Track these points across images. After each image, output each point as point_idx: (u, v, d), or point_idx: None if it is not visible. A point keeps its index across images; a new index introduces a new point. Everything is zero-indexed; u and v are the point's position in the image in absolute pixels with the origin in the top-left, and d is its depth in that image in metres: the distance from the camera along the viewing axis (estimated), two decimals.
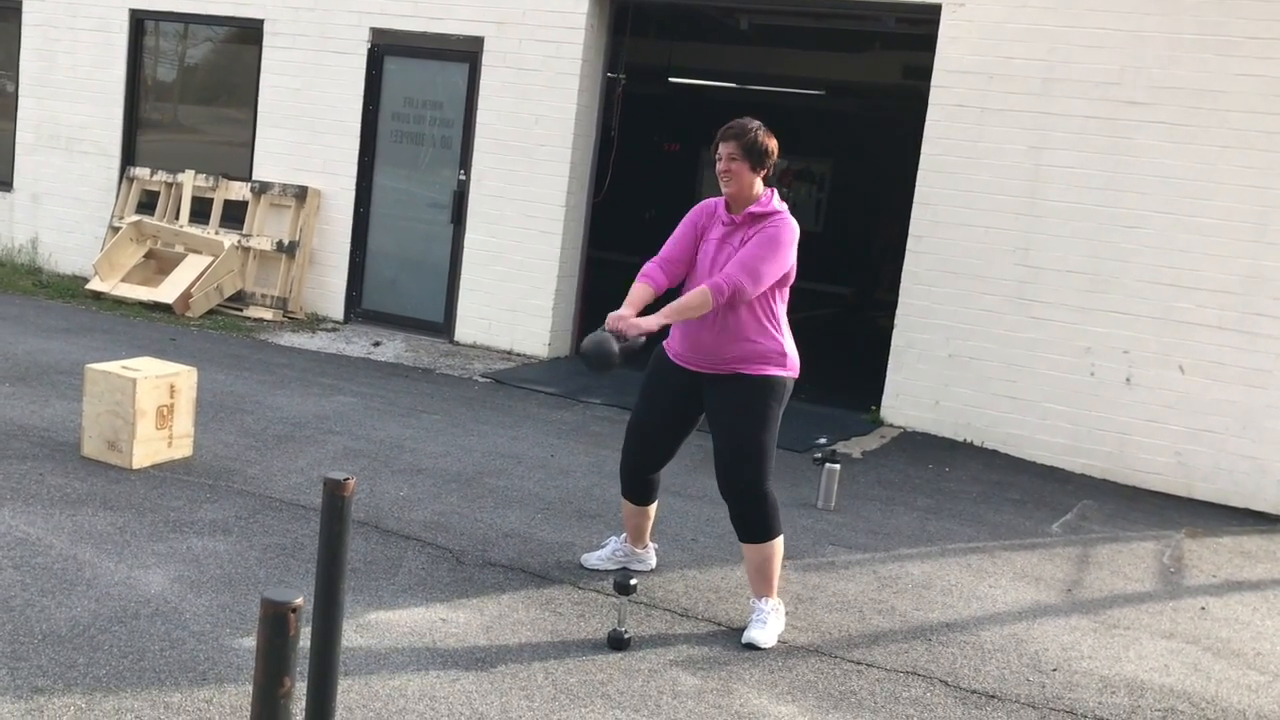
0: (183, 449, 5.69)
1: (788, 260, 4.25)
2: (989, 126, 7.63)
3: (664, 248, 4.43)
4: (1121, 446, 7.36)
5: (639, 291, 4.30)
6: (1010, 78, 7.55)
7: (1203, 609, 5.18)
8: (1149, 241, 7.26)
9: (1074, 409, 7.49)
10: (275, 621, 1.62)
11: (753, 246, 4.19)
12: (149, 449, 5.50)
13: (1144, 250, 7.27)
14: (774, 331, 4.30)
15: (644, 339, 4.15)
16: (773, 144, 4.31)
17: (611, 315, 4.15)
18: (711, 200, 4.46)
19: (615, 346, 4.03)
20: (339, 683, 3.60)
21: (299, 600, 1.68)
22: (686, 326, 4.35)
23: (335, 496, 2.08)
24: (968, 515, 6.22)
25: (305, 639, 3.21)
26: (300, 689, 3.05)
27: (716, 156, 4.32)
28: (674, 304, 4.16)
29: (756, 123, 4.32)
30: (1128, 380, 7.35)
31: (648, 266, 4.40)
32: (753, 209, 4.28)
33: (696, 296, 4.12)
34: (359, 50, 9.58)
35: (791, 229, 4.27)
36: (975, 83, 7.66)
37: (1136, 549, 5.98)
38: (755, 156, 4.27)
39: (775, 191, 4.37)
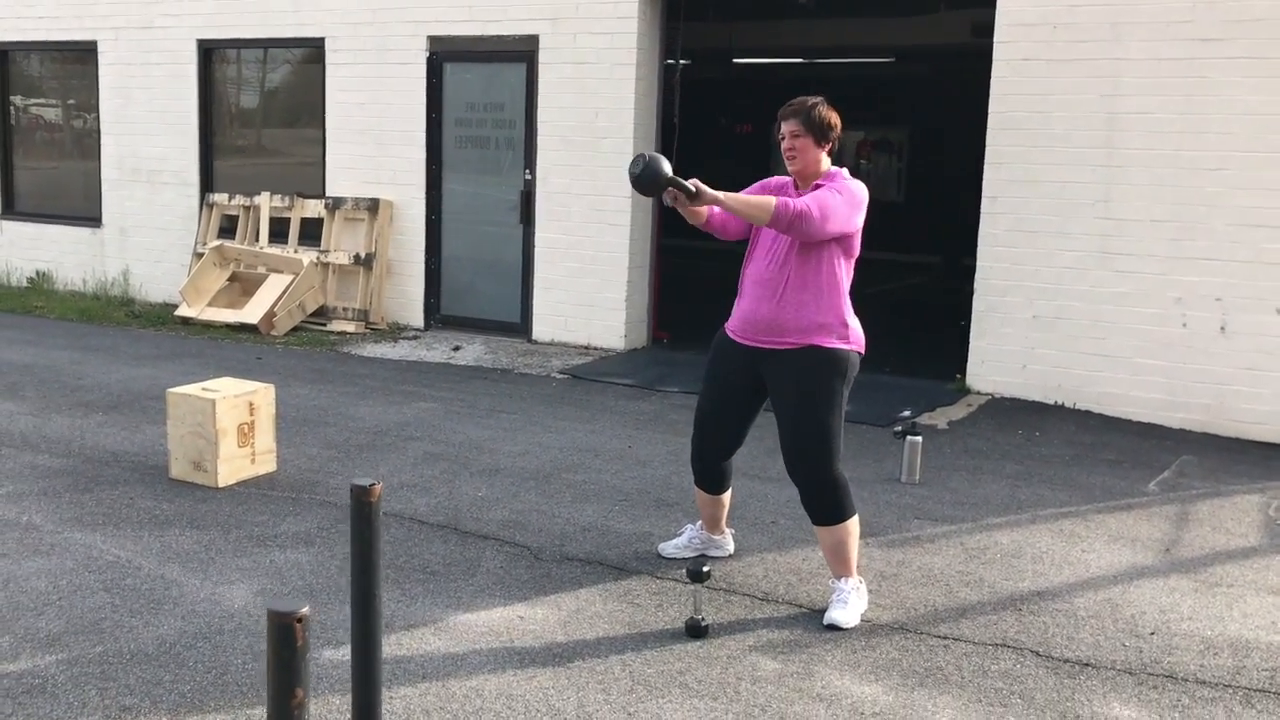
0: (266, 465, 5.80)
1: (856, 210, 4.13)
2: (1057, 78, 7.39)
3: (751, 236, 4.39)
4: (1220, 398, 7.07)
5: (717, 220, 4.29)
6: (1075, 25, 7.31)
7: None
8: (1235, 182, 6.95)
9: (1168, 362, 7.22)
10: (282, 632, 1.61)
11: (823, 190, 4.12)
12: (233, 467, 5.62)
13: (1230, 192, 6.97)
14: (835, 301, 4.19)
15: (694, 187, 3.97)
16: (835, 118, 4.22)
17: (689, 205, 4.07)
18: (780, 178, 4.39)
19: (667, 168, 3.94)
20: (416, 685, 3.63)
21: (304, 610, 1.68)
22: (746, 300, 4.28)
23: (363, 502, 2.08)
24: (1059, 479, 6.03)
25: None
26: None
27: (780, 136, 4.25)
28: (739, 195, 4.05)
29: (818, 98, 4.23)
30: (1222, 329, 7.06)
31: (719, 217, 4.34)
32: (821, 181, 4.21)
33: (762, 201, 4.00)
34: (418, 60, 9.66)
35: (862, 186, 4.19)
36: (1040, 34, 7.42)
37: (1240, 503, 5.74)
38: (818, 131, 4.18)
39: (845, 170, 4.29)
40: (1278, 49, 6.77)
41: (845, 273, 4.25)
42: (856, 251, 4.26)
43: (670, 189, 3.99)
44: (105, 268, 11.53)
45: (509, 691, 3.63)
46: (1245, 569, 4.84)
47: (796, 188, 4.28)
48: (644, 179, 3.94)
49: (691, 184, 3.99)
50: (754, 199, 4.01)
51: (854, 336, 4.25)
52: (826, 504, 4.19)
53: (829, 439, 4.17)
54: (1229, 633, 4.20)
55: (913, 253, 15.42)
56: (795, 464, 4.22)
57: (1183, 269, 7.14)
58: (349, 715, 3.33)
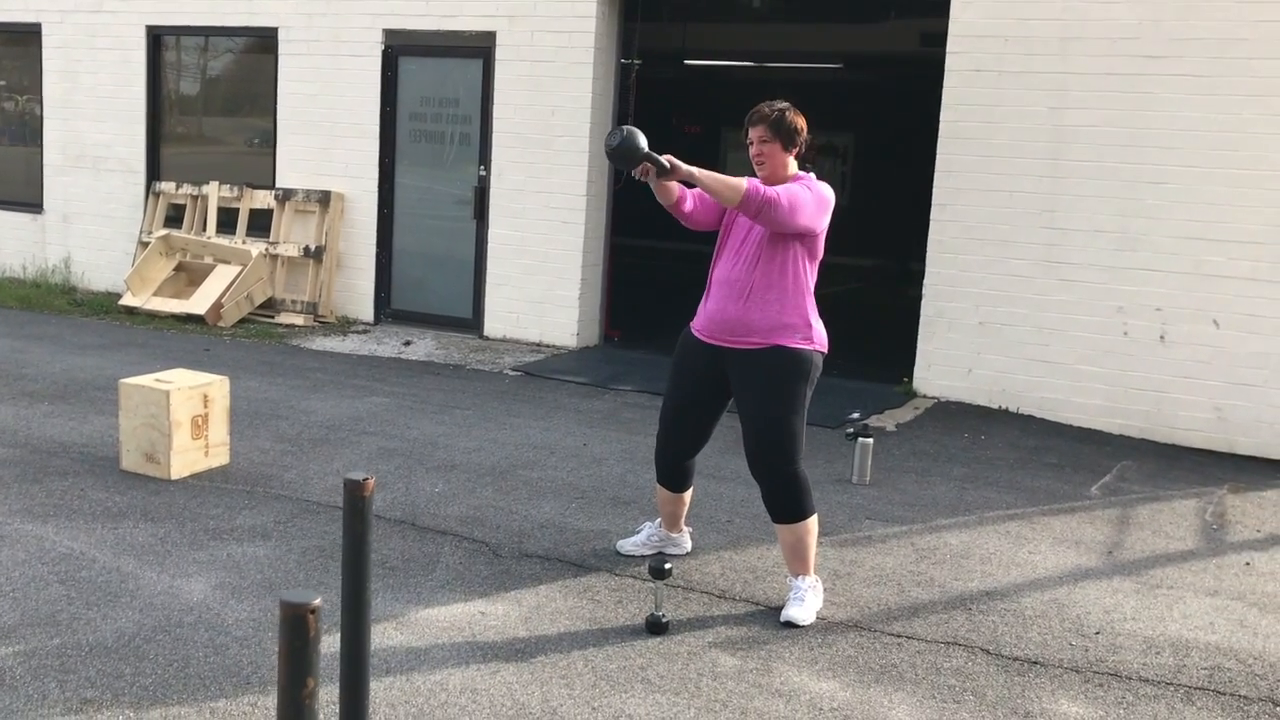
0: (219, 457, 5.76)
1: (823, 209, 4.21)
2: (1007, 89, 7.56)
3: (719, 232, 4.44)
4: (1159, 405, 7.28)
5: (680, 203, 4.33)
6: (1026, 39, 7.47)
7: (1247, 564, 5.12)
8: (1176, 196, 7.16)
9: (1109, 370, 7.41)
10: (295, 623, 1.64)
11: (794, 185, 4.20)
12: (186, 459, 5.57)
13: (1172, 205, 7.18)
14: (800, 302, 4.27)
15: (669, 165, 4.06)
16: (801, 122, 4.30)
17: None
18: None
19: (644, 143, 4.03)
20: (380, 680, 3.65)
21: (317, 601, 1.70)
22: (713, 300, 4.35)
23: (355, 497, 2.11)
24: (1005, 482, 6.18)
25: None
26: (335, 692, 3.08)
27: (748, 141, 4.30)
28: (712, 173, 4.09)
29: (784, 103, 4.31)
30: (1162, 338, 7.26)
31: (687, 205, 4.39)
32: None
33: (734, 180, 4.05)
34: (373, 52, 9.62)
35: (829, 189, 4.28)
36: (991, 46, 7.58)
37: (1178, 507, 5.92)
38: (786, 135, 4.25)
39: (813, 174, 4.36)
40: (1219, 68, 6.98)
41: (810, 274, 4.33)
42: (820, 254, 4.34)
43: (644, 163, 4.05)
44: (46, 255, 11.32)
45: (473, 686, 3.66)
46: (1184, 571, 5.01)
47: None
48: (621, 150, 4.01)
49: (666, 159, 4.06)
50: (726, 177, 4.06)
51: (817, 337, 4.33)
52: (788, 501, 4.27)
53: (791, 438, 4.25)
54: (1170, 633, 4.35)
55: (856, 256, 15.62)
56: (758, 461, 4.29)
57: (1124, 279, 7.34)
58: (327, 707, 3.34)
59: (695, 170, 4.04)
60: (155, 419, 5.49)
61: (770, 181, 4.30)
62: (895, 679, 3.86)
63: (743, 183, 4.05)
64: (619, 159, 4.03)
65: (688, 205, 4.34)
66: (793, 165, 4.31)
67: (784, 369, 4.24)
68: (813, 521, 4.34)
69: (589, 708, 3.56)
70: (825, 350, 4.37)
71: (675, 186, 4.24)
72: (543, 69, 9.01)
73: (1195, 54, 7.04)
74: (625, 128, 4.03)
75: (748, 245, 4.27)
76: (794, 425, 4.25)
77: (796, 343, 4.26)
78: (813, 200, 4.16)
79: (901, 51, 12.70)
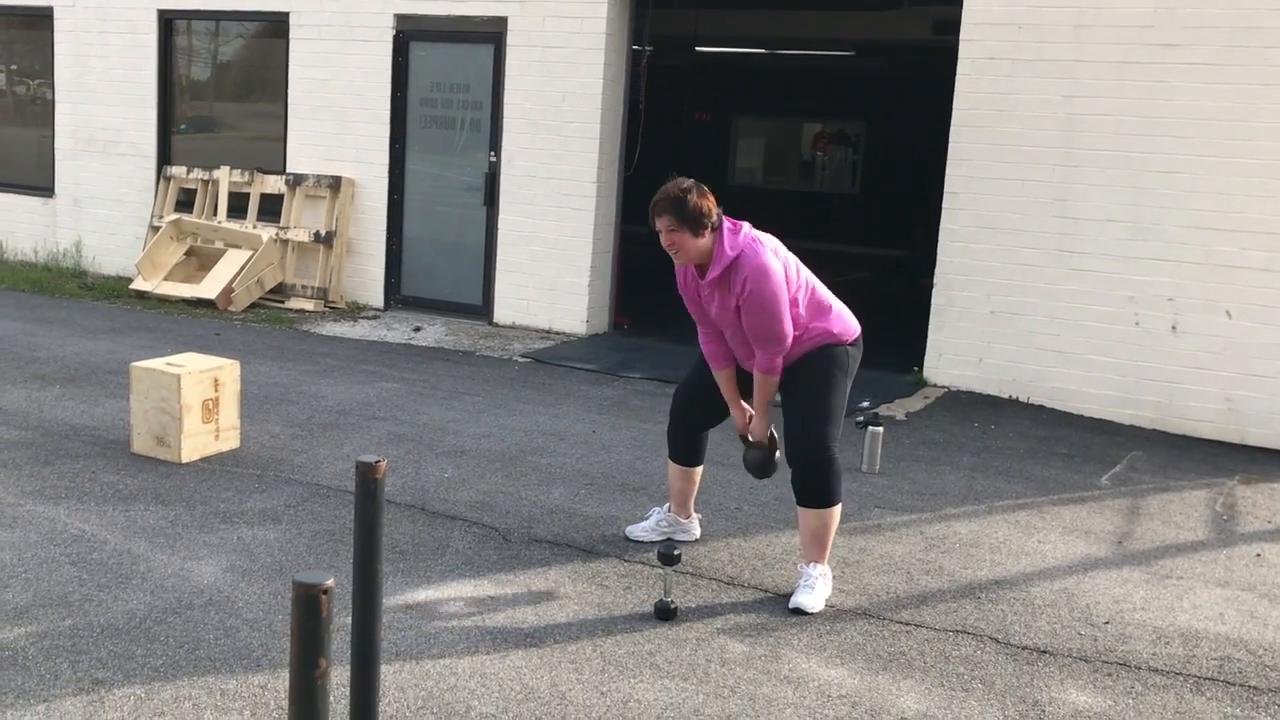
0: (230, 441, 5.77)
1: (780, 294, 4.15)
2: (1020, 78, 7.52)
3: (696, 320, 4.47)
4: (1170, 395, 7.26)
5: (726, 379, 4.49)
6: (1040, 26, 7.43)
7: (1258, 555, 5.11)
8: (1189, 186, 7.13)
9: (1120, 360, 7.39)
10: (307, 603, 1.64)
11: (748, 319, 4.18)
12: (197, 443, 5.59)
13: (1184, 195, 7.14)
14: (810, 326, 4.30)
15: (776, 437, 4.51)
16: (708, 202, 4.17)
17: (740, 426, 4.53)
18: (680, 268, 4.37)
19: (768, 455, 4.51)
20: (390, 663, 3.66)
21: (329, 582, 1.70)
22: (734, 352, 4.46)
23: (368, 479, 2.11)
24: (1014, 472, 6.17)
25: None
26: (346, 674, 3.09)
27: (656, 230, 4.22)
28: (758, 400, 4.37)
29: (688, 183, 4.18)
30: (1174, 328, 7.24)
31: (708, 349, 4.46)
32: (715, 269, 4.19)
33: (764, 380, 4.31)
34: (384, 37, 9.60)
35: (764, 273, 4.12)
36: (1005, 34, 7.54)
37: (1188, 498, 5.91)
38: (693, 222, 4.14)
39: (726, 228, 4.21)
40: (1235, 56, 6.94)
41: (805, 308, 4.29)
42: (799, 288, 4.28)
43: (774, 452, 4.55)
44: (57, 238, 11.35)
45: (482, 670, 3.67)
46: (1194, 562, 5.00)
47: (700, 275, 4.28)
48: (763, 475, 4.61)
49: (773, 438, 4.51)
50: (765, 386, 4.33)
51: (846, 331, 4.37)
52: (820, 484, 4.27)
53: (831, 420, 4.29)
54: (1179, 623, 4.34)
55: (866, 245, 15.58)
56: (797, 440, 4.29)
57: (1136, 269, 7.31)
58: (338, 689, 3.36)
59: (760, 414, 4.43)
60: (166, 402, 5.51)
61: (691, 262, 4.24)
62: (904, 667, 3.86)
63: (763, 377, 4.29)
64: (764, 477, 4.64)
65: (730, 356, 4.49)
66: (707, 240, 4.19)
67: (821, 361, 4.31)
68: (838, 510, 4.35)
69: (597, 692, 3.56)
70: (857, 336, 4.39)
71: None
72: (554, 55, 8.99)
73: (1209, 42, 7.00)
74: (754, 459, 4.53)
75: (728, 314, 4.28)
76: (834, 407, 4.31)
77: (829, 343, 4.33)
78: (771, 301, 4.13)
79: (914, 40, 12.65)
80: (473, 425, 6.48)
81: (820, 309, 4.33)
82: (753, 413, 4.47)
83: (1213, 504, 5.84)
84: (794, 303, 4.26)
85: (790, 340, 4.24)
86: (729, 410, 4.60)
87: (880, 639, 4.06)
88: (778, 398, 4.40)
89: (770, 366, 4.27)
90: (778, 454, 4.52)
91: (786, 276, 4.20)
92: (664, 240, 4.21)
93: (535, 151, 9.17)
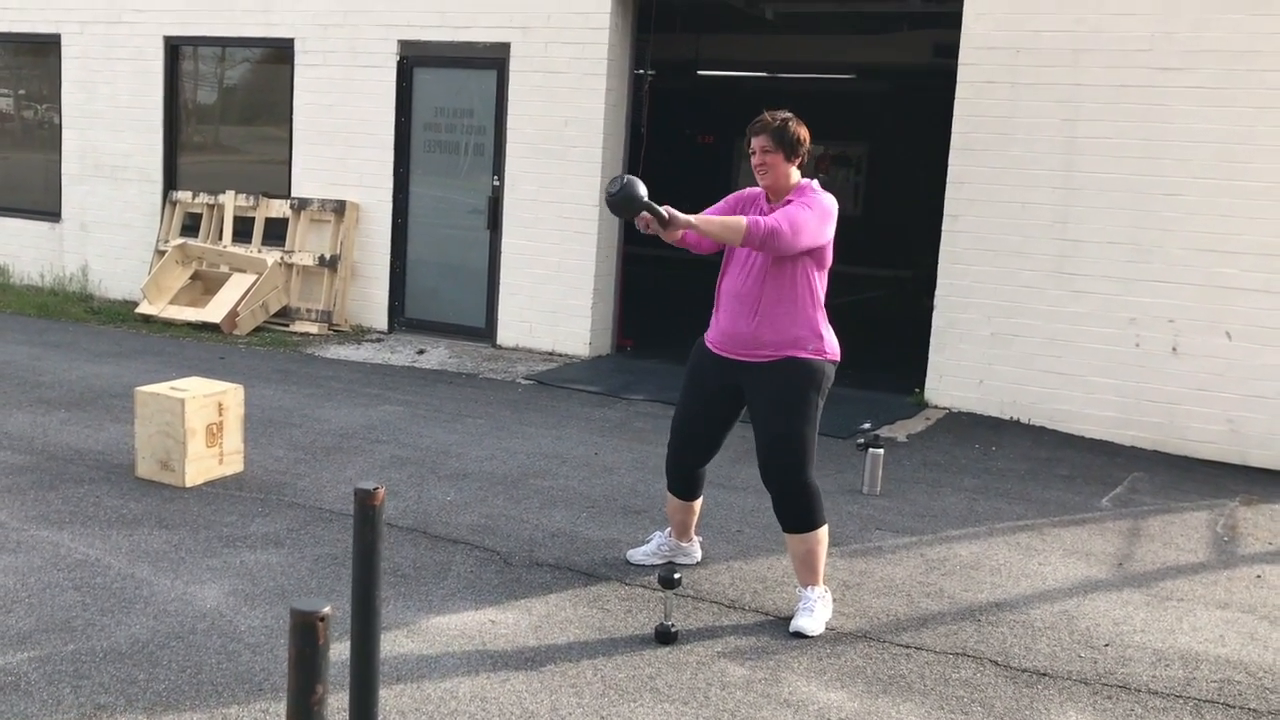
0: (234, 465, 5.80)
1: (827, 222, 4.22)
2: (1020, 101, 7.57)
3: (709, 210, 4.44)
4: (1171, 417, 7.27)
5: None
6: (1039, 50, 7.49)
7: (1258, 577, 5.12)
8: (1189, 208, 7.16)
9: (1121, 381, 7.41)
10: (305, 631, 1.66)
11: (793, 205, 4.22)
12: (200, 467, 5.62)
13: (1185, 217, 7.18)
14: (809, 314, 4.30)
15: (667, 214, 4.08)
16: (804, 132, 4.33)
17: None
18: (751, 190, 4.48)
19: (643, 191, 4.05)
20: (391, 687, 3.67)
21: (327, 609, 1.73)
22: (724, 315, 4.37)
23: (366, 506, 2.13)
24: (1015, 494, 6.18)
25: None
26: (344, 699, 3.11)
27: (750, 151, 4.34)
28: (712, 218, 4.13)
29: (787, 113, 4.34)
30: (1174, 349, 7.25)
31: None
32: (791, 195, 4.30)
33: (734, 222, 4.09)
34: (388, 63, 9.68)
35: (831, 198, 4.29)
36: (1003, 58, 7.60)
37: (1189, 519, 5.91)
38: (788, 146, 4.28)
39: (815, 182, 4.37)
40: (1233, 80, 6.98)
41: (819, 284, 4.35)
42: (829, 262, 4.37)
43: (643, 213, 4.09)
44: (64, 263, 11.41)
45: (483, 694, 3.68)
46: (1195, 584, 5.00)
47: (768, 201, 4.37)
48: (619, 199, 4.05)
49: (664, 210, 4.10)
50: (726, 220, 4.10)
51: (828, 347, 4.35)
52: (799, 511, 4.29)
53: (803, 447, 4.27)
54: (1180, 645, 4.34)
55: (868, 266, 15.62)
56: (769, 470, 4.31)
57: (1137, 290, 7.34)
58: (338, 714, 3.38)
59: (694, 219, 4.08)
60: (170, 427, 5.54)
61: (773, 190, 4.33)
62: (904, 689, 3.87)
63: (742, 221, 4.09)
64: (617, 207, 4.07)
65: (691, 238, 4.36)
66: (795, 175, 4.34)
67: (795, 379, 4.27)
68: (823, 532, 4.35)
69: (598, 716, 3.58)
70: (837, 359, 4.39)
71: (677, 231, 4.26)
72: (556, 80, 9.06)
73: (1208, 66, 7.05)
74: (625, 176, 4.07)
75: (754, 258, 4.29)
76: (806, 435, 4.27)
77: (807, 353, 4.29)
78: (814, 216, 4.18)
79: (915, 63, 12.73)
80: (475, 448, 6.50)
81: (820, 306, 4.35)
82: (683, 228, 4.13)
83: (1214, 525, 5.84)
84: (822, 263, 4.30)
85: (794, 244, 4.11)
86: (722, 438, 4.57)
87: (880, 662, 4.07)
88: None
89: (758, 225, 4.06)
90: (644, 194, 4.06)
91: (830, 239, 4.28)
92: (755, 160, 4.31)
93: (538, 175, 9.22)
